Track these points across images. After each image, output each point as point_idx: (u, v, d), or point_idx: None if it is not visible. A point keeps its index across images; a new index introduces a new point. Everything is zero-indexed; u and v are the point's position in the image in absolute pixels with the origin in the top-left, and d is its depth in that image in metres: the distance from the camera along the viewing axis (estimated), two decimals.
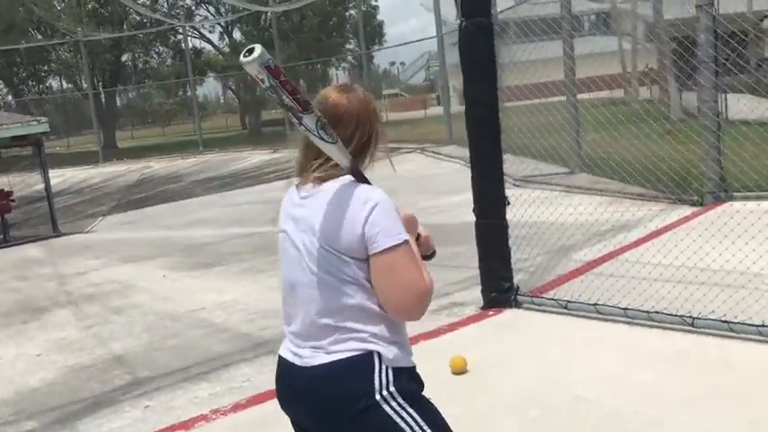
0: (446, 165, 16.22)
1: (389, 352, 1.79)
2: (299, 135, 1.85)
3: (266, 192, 15.64)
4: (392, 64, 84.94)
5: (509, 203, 4.90)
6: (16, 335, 6.27)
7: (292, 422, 1.94)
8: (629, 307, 4.42)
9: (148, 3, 38.58)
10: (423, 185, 13.57)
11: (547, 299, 4.88)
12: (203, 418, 3.86)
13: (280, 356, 1.92)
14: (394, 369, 1.78)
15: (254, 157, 23.69)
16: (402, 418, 1.76)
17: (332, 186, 1.80)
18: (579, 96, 11.66)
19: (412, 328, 4.74)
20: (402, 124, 30.88)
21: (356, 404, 1.75)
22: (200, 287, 7.38)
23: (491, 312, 4.97)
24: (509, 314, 4.90)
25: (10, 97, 40.11)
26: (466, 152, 15.74)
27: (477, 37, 4.66)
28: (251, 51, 1.58)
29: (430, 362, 4.23)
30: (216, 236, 10.69)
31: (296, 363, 1.85)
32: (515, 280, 5.08)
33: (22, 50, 36.02)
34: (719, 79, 8.05)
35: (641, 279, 5.04)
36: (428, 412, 1.82)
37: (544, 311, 4.81)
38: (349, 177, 1.80)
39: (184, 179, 22.05)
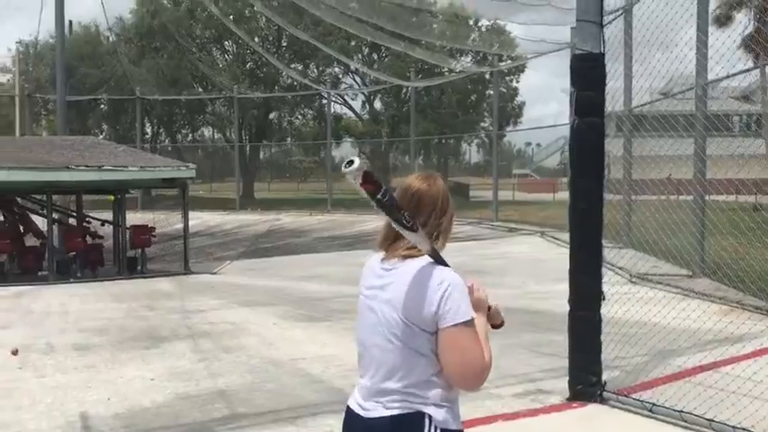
0: (564, 251, 15.99)
1: (440, 414, 2.07)
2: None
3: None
4: (528, 144, 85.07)
5: (605, 299, 4.97)
6: (137, 358, 6.92)
7: None
8: (716, 419, 4.33)
9: (300, 68, 41.28)
10: (535, 269, 13.56)
11: (633, 399, 4.85)
12: None
13: (348, 406, 2.22)
14: (443, 430, 2.05)
15: (378, 222, 24.37)
16: None
17: (413, 265, 2.11)
18: (720, 197, 11.36)
19: (493, 408, 4.87)
20: (527, 205, 30.82)
21: None
22: (305, 338, 7.81)
23: (575, 405, 5.00)
24: (592, 409, 4.91)
25: (166, 141, 43.78)
26: None
27: (589, 135, 4.88)
28: (351, 163, 1.87)
29: None
30: (328, 291, 11.20)
31: (359, 413, 2.15)
32: (606, 376, 5.09)
33: (183, 101, 39.49)
34: None
35: (738, 394, 4.90)
36: None
37: (629, 411, 4.79)
38: (428, 258, 2.10)
39: (309, 235, 23.10)
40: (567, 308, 8.99)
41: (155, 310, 10.00)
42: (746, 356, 6.25)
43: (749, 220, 10.21)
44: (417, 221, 2.05)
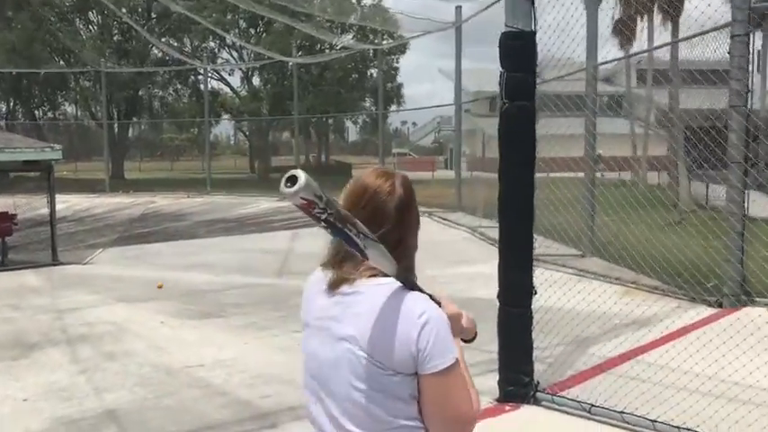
0: (455, 232, 16.06)
1: None
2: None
3: (272, 240, 15.44)
4: (404, 123, 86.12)
5: (536, 293, 4.70)
6: (4, 372, 5.99)
7: None
8: (659, 420, 4.17)
9: (174, 43, 39.17)
10: (431, 252, 13.37)
11: (569, 399, 4.63)
12: None
13: None
14: None
15: (262, 203, 23.58)
16: None
17: (379, 291, 1.61)
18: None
19: None
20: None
21: None
22: (198, 339, 7.12)
23: (507, 407, 4.72)
24: (527, 411, 4.65)
25: (22, 118, 40.30)
26: (474, 220, 15.60)
27: (520, 120, 4.55)
28: (293, 180, 1.31)
29: None
30: (217, 283, 10.46)
31: None
32: (535, 372, 4.84)
33: (42, 75, 36.38)
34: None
35: (665, 386, 4.81)
36: None
37: (565, 413, 4.56)
38: (396, 282, 1.61)
39: (189, 218, 21.87)
40: (474, 294, 8.84)
41: (21, 310, 8.88)
42: (662, 341, 6.26)
43: (620, 197, 10.45)
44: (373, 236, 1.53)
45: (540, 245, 11.22)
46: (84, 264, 13.42)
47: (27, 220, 17.34)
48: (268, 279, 10.58)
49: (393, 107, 40.11)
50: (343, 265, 1.67)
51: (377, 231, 1.55)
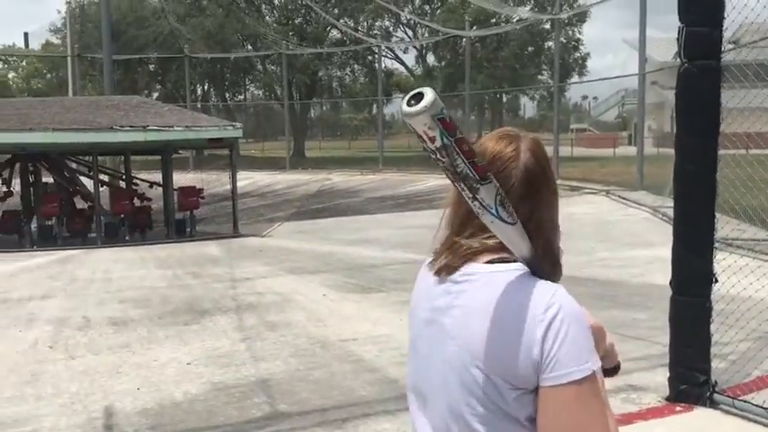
0: (633, 212, 14.99)
1: None
2: (451, 196, 1.36)
3: (437, 217, 15.33)
4: (584, 98, 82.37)
5: (716, 281, 4.09)
6: (175, 336, 6.36)
7: None
8: None
9: (350, 23, 40.20)
10: (604, 233, 12.57)
11: (754, 405, 4.00)
12: None
13: None
14: None
15: (431, 181, 23.57)
16: None
17: (497, 280, 1.25)
18: None
19: None
20: (589, 161, 29.45)
21: None
22: (356, 313, 7.14)
23: (678, 408, 4.18)
24: (701, 415, 4.08)
25: (216, 101, 43.48)
26: (657, 200, 14.31)
27: (701, 82, 3.94)
28: (419, 98, 1.06)
29: None
30: (381, 258, 10.52)
31: None
32: (712, 370, 4.25)
33: (231, 60, 38.92)
34: None
35: None
36: None
37: (747, 419, 3.95)
38: (522, 268, 1.25)
39: (360, 195, 22.42)
40: (649, 279, 8.09)
41: (199, 278, 9.48)
42: None
43: None
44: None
45: (733, 228, 10.18)
46: (262, 236, 14.12)
47: (214, 195, 18.69)
48: (430, 256, 10.47)
49: (570, 81, 38.35)
50: (456, 244, 1.35)
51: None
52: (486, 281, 1.26)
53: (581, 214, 15.08)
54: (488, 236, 1.27)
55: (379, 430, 4.03)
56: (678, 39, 3.97)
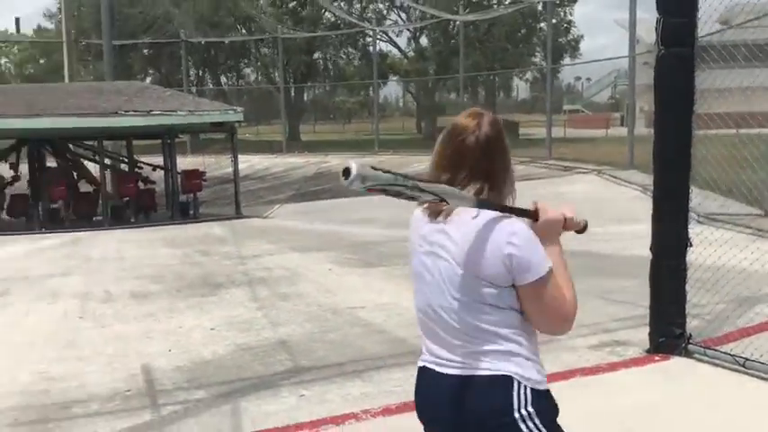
0: (624, 190, 15.50)
1: (528, 373, 1.84)
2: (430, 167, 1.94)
3: None
4: (577, 79, 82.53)
5: (691, 245, 4.60)
6: (195, 306, 6.84)
7: None
8: None
9: (344, 6, 40.38)
10: (595, 210, 13.00)
11: (722, 352, 4.52)
12: (354, 416, 4.00)
13: (420, 369, 1.99)
14: (532, 390, 1.83)
15: (426, 162, 24.00)
16: None
17: (474, 220, 1.83)
18: None
19: (570, 361, 4.59)
20: (581, 142, 29.92)
21: (493, 419, 1.81)
22: (362, 285, 7.63)
23: (657, 358, 4.70)
24: (676, 362, 4.60)
25: (211, 85, 43.69)
26: (647, 179, 14.95)
27: (676, 68, 4.42)
28: (347, 172, 1.53)
29: (586, 398, 4.10)
30: (382, 236, 10.99)
31: (436, 372, 1.91)
32: (688, 327, 4.76)
33: (226, 44, 39.09)
34: None
35: None
36: None
37: (717, 365, 4.47)
38: (488, 211, 1.82)
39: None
40: (636, 252, 8.61)
41: (209, 256, 9.95)
42: None
43: None
44: (463, 170, 1.85)
45: (720, 205, 10.67)
46: (264, 218, 14.59)
47: (215, 178, 19.07)
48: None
49: (563, 63, 38.74)
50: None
51: (465, 164, 1.84)
52: (466, 222, 1.84)
53: (573, 192, 15.60)
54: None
55: (392, 378, 4.53)
56: (656, 28, 4.44)
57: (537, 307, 1.82)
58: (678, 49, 4.43)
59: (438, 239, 1.88)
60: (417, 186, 1.66)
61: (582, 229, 2.01)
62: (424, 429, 2.01)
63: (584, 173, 18.81)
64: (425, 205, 1.94)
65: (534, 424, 1.80)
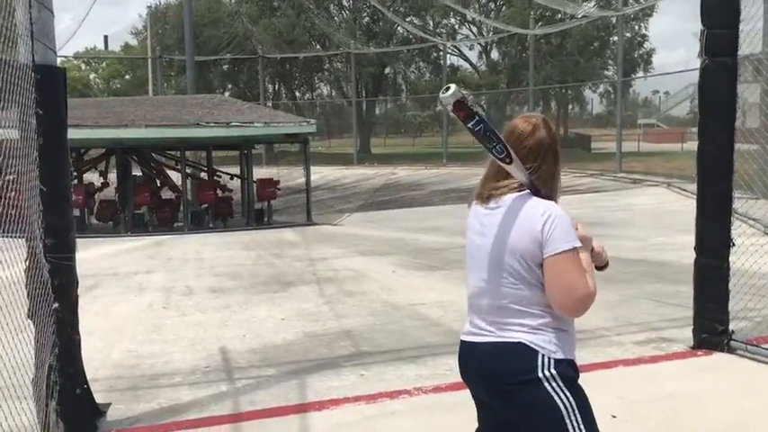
0: (692, 203, 15.30)
1: (552, 344, 2.11)
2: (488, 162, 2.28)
3: None
4: (655, 93, 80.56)
5: (734, 245, 4.79)
6: (268, 300, 7.38)
7: (472, 394, 2.35)
8: None
9: (417, 22, 41.02)
10: (660, 221, 13.07)
11: (763, 348, 4.69)
12: (407, 392, 4.39)
13: (461, 341, 2.34)
14: (555, 359, 2.10)
15: None
16: (559, 397, 2.09)
17: (516, 199, 2.16)
18: None
19: (614, 354, 4.84)
20: (653, 156, 29.49)
21: (518, 376, 2.11)
22: (423, 285, 8.02)
23: (699, 353, 4.90)
24: (718, 357, 4.80)
25: (285, 99, 45.03)
26: None
27: (719, 77, 4.65)
28: (447, 89, 1.94)
29: (626, 383, 4.36)
30: (445, 243, 11.34)
31: (473, 342, 2.26)
32: (733, 326, 4.94)
33: (301, 59, 40.31)
34: None
35: None
36: (582, 400, 2.12)
37: (758, 361, 4.64)
38: (529, 192, 2.14)
39: (425, 188, 23.29)
40: (693, 259, 8.69)
41: (281, 258, 10.54)
42: None
43: None
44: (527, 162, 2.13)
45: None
46: (334, 225, 15.16)
47: (288, 188, 19.85)
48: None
49: (635, 76, 38.20)
50: (492, 187, 2.24)
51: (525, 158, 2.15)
52: (510, 204, 2.18)
53: (640, 204, 15.57)
54: (510, 180, 2.20)
55: (445, 363, 4.89)
56: (700, 39, 4.69)
57: (556, 280, 2.04)
58: (722, 59, 4.66)
59: (486, 221, 2.21)
60: (494, 131, 2.02)
61: (604, 265, 2.28)
62: (469, 389, 2.35)
63: (652, 185, 18.65)
64: (481, 195, 2.28)
65: (558, 384, 2.08)
